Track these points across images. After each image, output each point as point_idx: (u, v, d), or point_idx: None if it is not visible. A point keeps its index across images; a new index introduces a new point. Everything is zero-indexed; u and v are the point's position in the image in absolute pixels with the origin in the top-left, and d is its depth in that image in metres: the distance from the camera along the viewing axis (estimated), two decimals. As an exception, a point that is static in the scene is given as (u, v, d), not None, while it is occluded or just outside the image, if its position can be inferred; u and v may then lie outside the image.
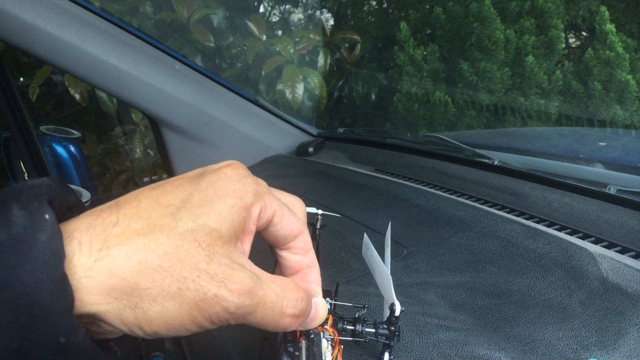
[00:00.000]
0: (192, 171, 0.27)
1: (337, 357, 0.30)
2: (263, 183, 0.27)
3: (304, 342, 0.29)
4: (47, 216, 0.21)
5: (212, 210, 0.24)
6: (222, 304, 0.23)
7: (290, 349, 0.29)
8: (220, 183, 0.25)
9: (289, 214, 0.28)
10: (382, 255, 0.33)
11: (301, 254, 0.29)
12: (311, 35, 1.87)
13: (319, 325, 0.30)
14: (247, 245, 0.26)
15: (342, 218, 0.40)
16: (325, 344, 0.29)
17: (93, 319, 0.22)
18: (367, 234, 0.36)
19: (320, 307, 0.28)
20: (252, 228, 0.26)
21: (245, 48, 1.89)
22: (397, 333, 0.31)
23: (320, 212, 0.39)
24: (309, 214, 0.35)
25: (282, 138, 1.05)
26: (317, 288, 0.29)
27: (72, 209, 0.25)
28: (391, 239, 0.54)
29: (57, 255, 0.20)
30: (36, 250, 0.20)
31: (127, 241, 0.22)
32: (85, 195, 0.78)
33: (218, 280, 0.22)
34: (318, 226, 0.39)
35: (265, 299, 0.24)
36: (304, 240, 0.29)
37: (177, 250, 0.22)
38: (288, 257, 0.30)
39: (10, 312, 0.19)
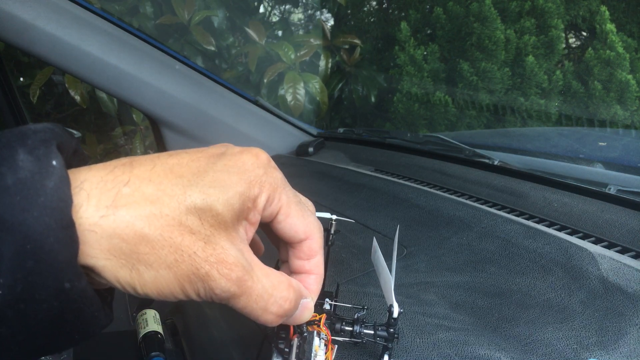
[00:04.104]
0: (213, 147, 0.27)
1: (329, 356, 0.30)
2: (279, 177, 0.27)
3: (296, 339, 0.29)
4: (54, 162, 0.21)
5: (222, 194, 0.24)
6: (210, 284, 0.23)
7: (282, 346, 0.29)
8: (235, 169, 0.25)
9: (298, 215, 0.28)
10: (390, 257, 0.33)
11: (303, 259, 0.29)
12: (312, 40, 1.87)
13: (314, 324, 0.30)
14: (249, 233, 0.26)
15: (339, 217, 0.40)
16: (317, 343, 0.29)
17: (89, 271, 0.22)
18: (365, 232, 0.36)
19: (306, 310, 0.28)
20: (257, 218, 0.26)
21: (246, 52, 1.89)
22: (396, 335, 0.31)
23: (334, 217, 0.39)
24: (324, 219, 0.34)
25: (282, 138, 1.05)
26: (309, 296, 0.29)
27: (76, 153, 0.25)
28: (385, 236, 0.54)
29: (65, 203, 0.21)
30: (44, 196, 0.20)
31: (134, 204, 0.22)
32: None
33: (211, 262, 0.23)
34: (332, 231, 0.39)
35: (251, 291, 0.25)
36: (309, 246, 0.29)
37: (180, 226, 0.23)
38: (290, 257, 0.30)
39: (16, 256, 0.19)
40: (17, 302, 0.20)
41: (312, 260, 0.29)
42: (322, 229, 0.30)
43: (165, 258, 0.23)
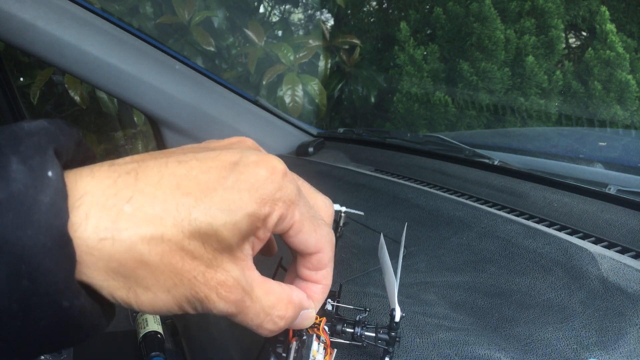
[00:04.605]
0: (227, 153, 0.24)
1: None
2: (294, 191, 0.25)
3: (294, 343, 0.29)
4: (50, 173, 0.20)
5: (230, 217, 0.23)
6: (208, 305, 0.23)
7: (279, 350, 0.29)
8: (247, 185, 0.23)
9: (310, 230, 0.27)
10: (392, 257, 0.33)
11: (312, 270, 0.29)
12: (311, 41, 1.87)
13: (314, 327, 0.30)
14: (256, 247, 0.26)
15: (349, 209, 0.40)
16: (315, 347, 0.29)
17: (85, 285, 0.22)
18: (365, 232, 0.36)
19: (307, 319, 0.28)
20: (266, 235, 0.25)
21: (246, 53, 1.89)
22: (397, 339, 0.31)
23: (344, 209, 0.39)
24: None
25: (282, 138, 1.05)
26: (314, 303, 0.29)
27: (79, 145, 0.24)
28: (391, 238, 0.54)
29: (61, 220, 0.19)
30: (38, 213, 0.19)
31: (135, 227, 0.21)
32: None
33: (211, 285, 0.23)
34: (342, 223, 0.39)
35: (248, 310, 0.24)
36: (319, 259, 0.28)
37: (182, 251, 0.22)
38: (298, 265, 0.29)
39: (10, 276, 0.18)
40: (14, 320, 0.19)
41: (320, 272, 0.29)
42: (334, 241, 0.29)
43: (163, 282, 0.22)
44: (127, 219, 0.21)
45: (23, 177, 0.19)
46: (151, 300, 0.22)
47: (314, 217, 0.27)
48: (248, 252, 0.25)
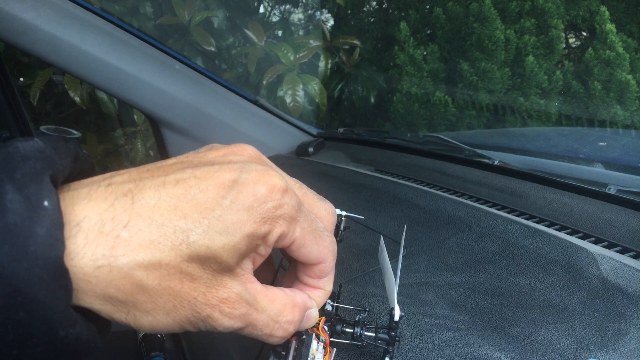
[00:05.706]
0: (226, 170, 0.24)
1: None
2: (292, 206, 0.25)
3: (294, 342, 0.29)
4: (46, 203, 0.19)
5: (228, 239, 0.22)
6: (212, 324, 0.23)
7: (279, 349, 0.29)
8: (246, 204, 0.23)
9: (313, 243, 0.27)
10: (392, 258, 0.33)
11: (313, 277, 0.29)
12: (311, 41, 1.87)
13: (314, 327, 0.30)
14: (257, 262, 0.25)
15: (349, 214, 0.40)
16: (315, 346, 0.29)
17: (82, 308, 0.22)
18: (365, 232, 0.36)
19: (310, 319, 0.28)
20: (267, 251, 0.25)
21: (246, 53, 1.89)
22: (397, 338, 0.31)
23: (344, 213, 0.39)
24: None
25: (282, 138, 1.05)
26: (315, 305, 0.29)
27: (77, 160, 0.23)
28: (391, 238, 0.54)
29: (57, 251, 0.19)
30: (34, 245, 0.19)
31: (132, 253, 0.21)
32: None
33: (213, 304, 0.23)
34: (342, 228, 0.39)
35: (256, 322, 0.24)
36: (321, 269, 0.28)
37: (180, 274, 0.22)
38: (299, 273, 0.29)
39: (5, 308, 0.18)
40: (10, 349, 0.19)
41: (322, 280, 0.29)
42: (336, 251, 0.29)
43: (163, 305, 0.22)
44: (124, 245, 0.21)
45: (19, 208, 0.19)
46: (151, 322, 0.22)
47: (315, 230, 0.27)
48: (248, 267, 0.25)
